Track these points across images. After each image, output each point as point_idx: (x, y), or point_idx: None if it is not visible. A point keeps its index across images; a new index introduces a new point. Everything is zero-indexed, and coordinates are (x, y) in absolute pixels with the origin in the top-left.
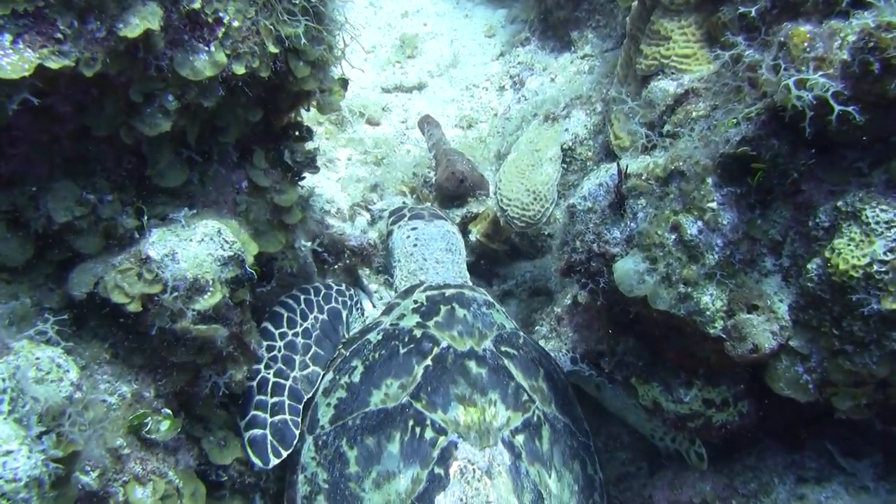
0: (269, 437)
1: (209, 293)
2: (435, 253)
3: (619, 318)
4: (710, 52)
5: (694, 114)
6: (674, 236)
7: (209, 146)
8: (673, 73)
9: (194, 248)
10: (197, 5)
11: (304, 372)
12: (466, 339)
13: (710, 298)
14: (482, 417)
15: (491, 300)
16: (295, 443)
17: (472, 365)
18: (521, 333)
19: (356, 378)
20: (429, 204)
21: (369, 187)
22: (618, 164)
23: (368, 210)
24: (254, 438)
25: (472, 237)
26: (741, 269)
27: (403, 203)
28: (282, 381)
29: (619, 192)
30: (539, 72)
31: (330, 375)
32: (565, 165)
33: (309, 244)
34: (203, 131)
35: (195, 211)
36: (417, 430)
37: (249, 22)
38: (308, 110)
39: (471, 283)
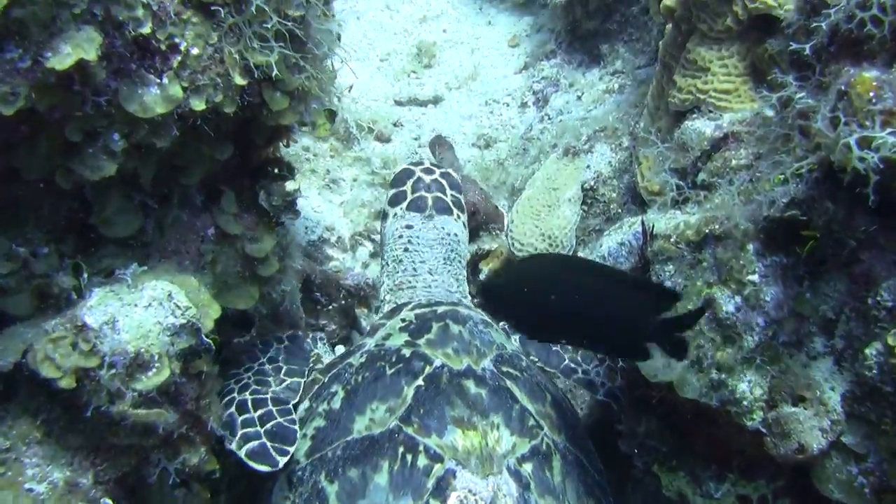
0: (269, 444)
1: (154, 370)
2: (429, 262)
3: (640, 399)
4: (755, 89)
5: (734, 162)
6: (707, 313)
7: (168, 188)
8: (710, 112)
9: (139, 315)
10: (146, 30)
11: (282, 385)
12: (463, 357)
13: (748, 386)
14: (483, 442)
15: (489, 320)
16: (298, 436)
17: (470, 385)
18: (524, 357)
19: (336, 404)
20: (447, 169)
21: (374, 213)
22: (642, 223)
23: (372, 240)
24: (252, 451)
25: (483, 277)
26: (786, 352)
27: (411, 169)
28: (261, 396)
29: (644, 256)
30: (565, 88)
31: (305, 404)
32: (585, 207)
33: (297, 284)
34: (160, 171)
35: (146, 267)
36: (409, 457)
37: (212, 49)
38: (288, 146)
39: (469, 301)
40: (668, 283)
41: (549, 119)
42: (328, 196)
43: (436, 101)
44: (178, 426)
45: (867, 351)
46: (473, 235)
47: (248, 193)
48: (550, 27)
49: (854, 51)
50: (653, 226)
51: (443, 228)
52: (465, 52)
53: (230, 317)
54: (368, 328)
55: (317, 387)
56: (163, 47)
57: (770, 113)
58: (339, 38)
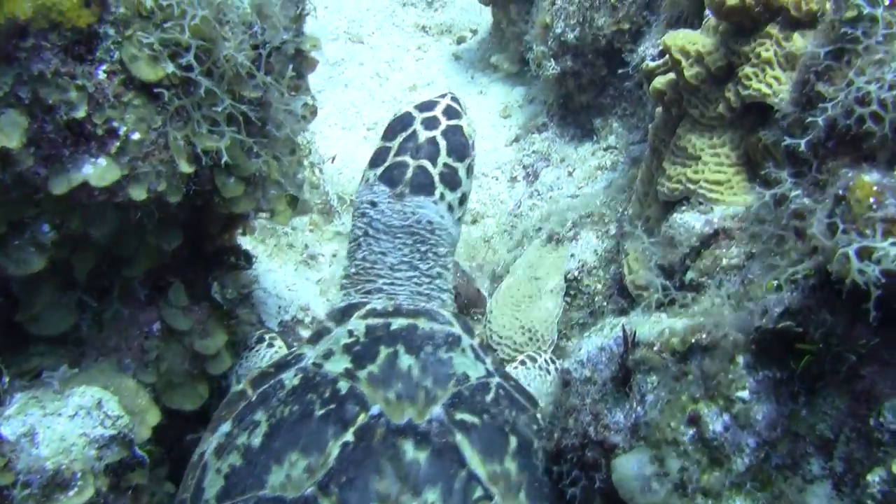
0: None
1: (75, 489)
2: (391, 255)
3: None
4: (749, 180)
5: (724, 262)
6: (692, 431)
7: (109, 281)
8: (701, 204)
9: (62, 427)
10: (80, 114)
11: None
12: (406, 406)
13: None
14: None
15: (457, 333)
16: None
17: (407, 447)
18: (494, 382)
19: (256, 441)
20: (459, 122)
21: None
22: (623, 329)
23: None
24: None
25: None
26: (779, 476)
27: (411, 114)
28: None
29: (625, 365)
30: (556, 163)
31: (227, 426)
32: (568, 299)
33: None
34: (99, 263)
35: (77, 370)
36: None
37: (155, 134)
38: (245, 234)
39: (448, 302)
40: (650, 397)
41: (539, 195)
42: (305, 273)
43: None
44: None
45: (869, 477)
46: None
47: (201, 284)
48: (543, 99)
49: (853, 148)
50: (635, 332)
51: (412, 214)
52: None
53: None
54: (314, 327)
55: (243, 405)
56: (100, 132)
57: (763, 211)
58: (314, 114)
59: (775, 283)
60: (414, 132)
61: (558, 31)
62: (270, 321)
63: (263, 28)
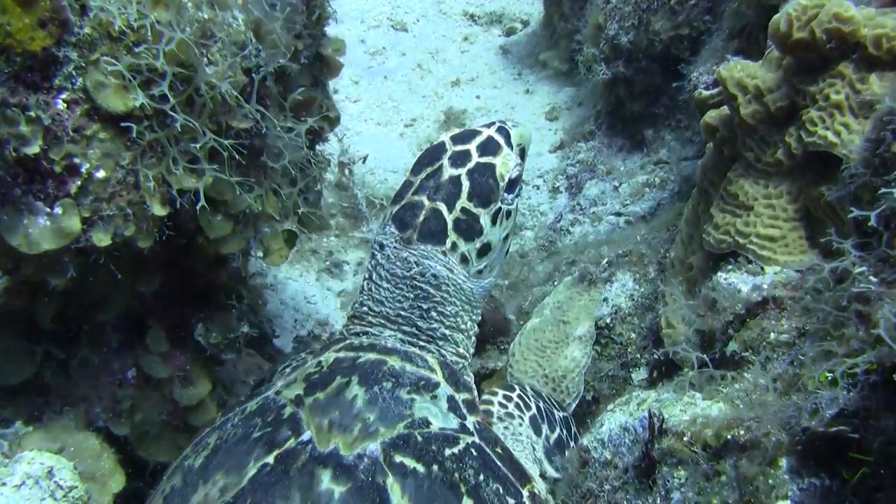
0: None
1: None
2: (388, 304)
3: None
4: (807, 237)
5: (772, 336)
6: None
7: (78, 325)
8: (750, 263)
9: (5, 500)
10: (33, 149)
11: None
12: (335, 435)
13: None
14: None
15: (434, 380)
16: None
17: (324, 476)
18: (468, 440)
19: (198, 462)
20: (493, 159)
21: None
22: (649, 414)
23: None
24: None
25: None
26: None
27: (444, 145)
28: None
29: (649, 454)
30: (601, 175)
31: (188, 450)
32: (598, 348)
33: None
34: (67, 307)
35: (30, 428)
36: None
37: (123, 172)
38: (243, 272)
39: (451, 369)
40: (676, 495)
41: (581, 209)
42: (327, 282)
43: None
44: None
45: None
46: (479, 350)
47: (186, 326)
48: (592, 103)
49: None
50: (663, 419)
51: (415, 265)
52: None
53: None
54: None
55: (204, 431)
56: (57, 169)
57: (821, 285)
58: (335, 123)
59: (829, 375)
60: (440, 168)
61: (611, 32)
62: (285, 336)
63: (258, 49)
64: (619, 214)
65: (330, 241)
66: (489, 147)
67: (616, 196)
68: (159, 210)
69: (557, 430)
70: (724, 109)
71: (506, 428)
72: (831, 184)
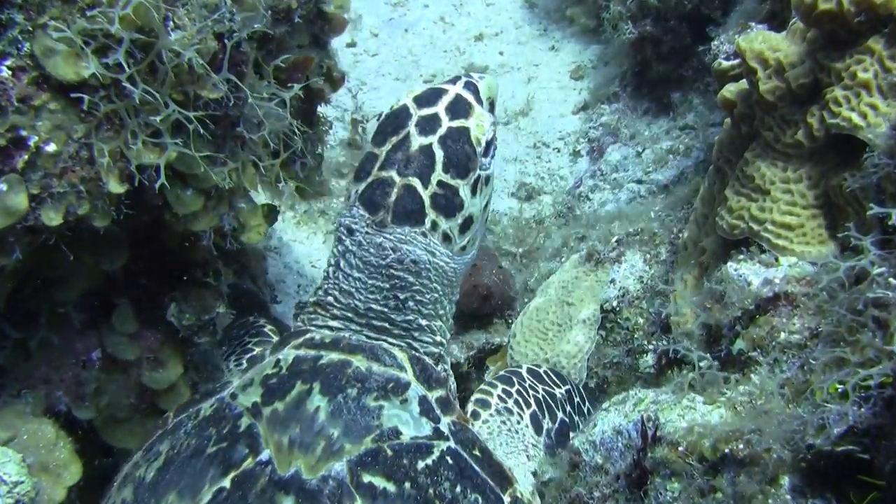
0: None
1: None
2: (358, 296)
3: None
4: (827, 226)
5: (782, 335)
6: None
7: (36, 304)
8: (763, 252)
9: None
10: None
11: None
12: (297, 456)
13: None
14: None
15: (404, 380)
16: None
17: None
18: (442, 446)
19: (150, 475)
20: (467, 122)
21: None
22: (642, 422)
23: None
24: None
25: (489, 378)
26: None
27: (407, 108)
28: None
29: (641, 464)
30: (625, 139)
31: (139, 455)
32: (603, 332)
33: None
34: (24, 285)
35: None
36: None
37: (76, 146)
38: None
39: (423, 364)
40: None
41: (602, 175)
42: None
43: None
44: None
45: None
46: (485, 323)
47: (158, 306)
48: (619, 63)
49: None
50: (657, 425)
51: (392, 251)
52: (521, 81)
53: None
54: (268, 345)
55: (155, 436)
56: (2, 142)
57: (836, 285)
58: (339, 83)
59: (840, 387)
60: (407, 136)
61: None
62: (287, 301)
63: (232, 12)
64: (640, 182)
65: (339, 203)
66: (459, 108)
67: (638, 162)
68: (116, 187)
69: (559, 415)
70: (744, 83)
71: (503, 422)
72: (855, 170)
